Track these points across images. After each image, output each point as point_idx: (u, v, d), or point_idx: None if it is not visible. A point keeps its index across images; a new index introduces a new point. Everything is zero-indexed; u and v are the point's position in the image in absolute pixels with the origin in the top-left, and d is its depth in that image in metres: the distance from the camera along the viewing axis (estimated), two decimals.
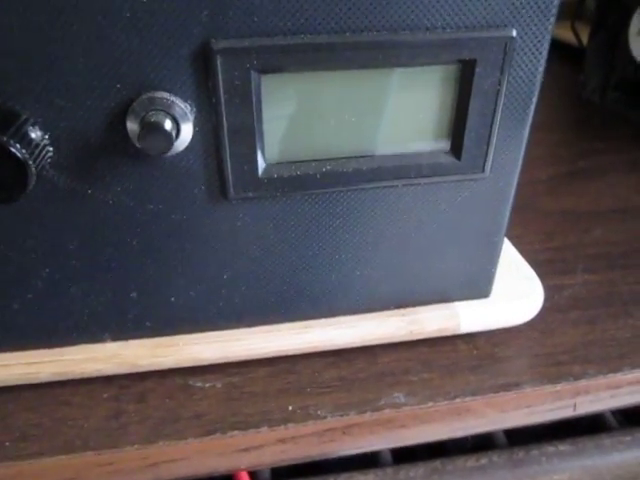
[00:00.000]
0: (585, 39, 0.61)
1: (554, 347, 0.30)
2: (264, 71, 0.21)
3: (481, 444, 0.42)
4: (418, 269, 0.27)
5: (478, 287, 0.29)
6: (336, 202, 0.24)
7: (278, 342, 0.27)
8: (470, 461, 0.39)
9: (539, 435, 0.40)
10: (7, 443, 0.25)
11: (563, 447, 0.40)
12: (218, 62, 0.20)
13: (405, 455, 0.38)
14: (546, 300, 0.31)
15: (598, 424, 0.42)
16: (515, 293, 0.30)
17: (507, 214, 0.27)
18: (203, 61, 0.20)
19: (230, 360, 0.28)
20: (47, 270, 0.24)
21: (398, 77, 0.22)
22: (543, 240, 0.38)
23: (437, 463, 0.39)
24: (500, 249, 0.28)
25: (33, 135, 0.20)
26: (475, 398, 0.27)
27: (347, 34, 0.20)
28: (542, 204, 0.42)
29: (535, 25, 0.21)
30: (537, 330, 0.31)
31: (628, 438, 0.40)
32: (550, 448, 0.40)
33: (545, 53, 0.22)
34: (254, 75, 0.21)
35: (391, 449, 0.40)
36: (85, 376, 0.27)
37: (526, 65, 0.22)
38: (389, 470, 0.39)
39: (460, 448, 0.41)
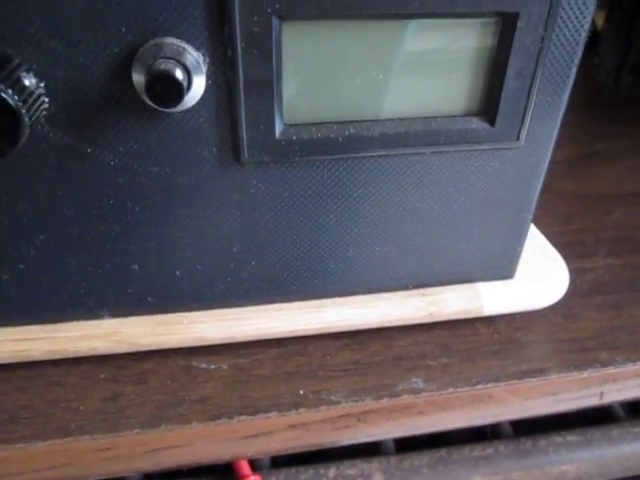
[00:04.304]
0: (599, 23, 0.60)
1: (579, 332, 0.28)
2: (286, 17, 0.19)
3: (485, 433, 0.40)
4: (441, 246, 0.25)
5: (502, 267, 0.27)
6: (358, 170, 0.22)
7: (289, 322, 0.26)
8: (476, 450, 0.38)
9: (544, 425, 0.38)
10: None
11: (571, 437, 0.38)
12: (236, 5, 0.18)
13: (407, 443, 0.37)
14: (568, 284, 0.29)
15: (605, 415, 0.41)
16: (539, 275, 0.28)
17: (539, 188, 0.25)
18: (219, 3, 0.18)
19: (237, 340, 0.26)
20: (41, 237, 0.22)
21: (432, 30, 0.20)
22: (562, 222, 0.37)
23: (442, 452, 0.38)
24: (528, 226, 0.26)
25: (26, 82, 0.18)
26: (498, 384, 0.26)
27: None
28: (559, 186, 0.41)
29: None
30: (560, 314, 0.29)
31: (637, 429, 0.39)
32: (558, 438, 0.38)
33: (592, 9, 0.20)
34: (275, 22, 0.18)
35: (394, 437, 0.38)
36: (80, 355, 0.25)
37: (572, 22, 0.20)
38: (393, 459, 0.37)
39: (464, 437, 0.40)
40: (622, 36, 0.56)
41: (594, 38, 0.59)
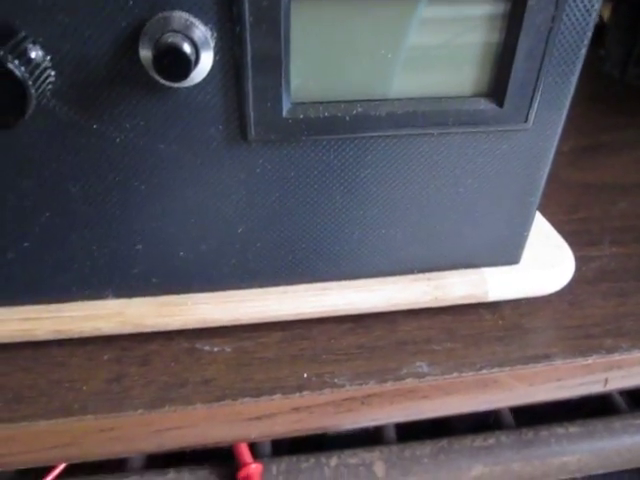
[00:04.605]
0: (605, 14, 0.59)
1: (584, 319, 0.28)
2: None
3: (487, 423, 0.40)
4: (447, 230, 0.25)
5: (508, 252, 0.27)
6: (365, 150, 0.22)
7: (293, 304, 0.26)
8: (477, 441, 0.38)
9: (546, 416, 0.38)
10: None
11: (573, 429, 0.38)
12: None
13: (409, 433, 0.37)
14: (574, 272, 0.29)
15: (607, 406, 0.41)
16: (545, 261, 0.28)
17: (546, 172, 0.25)
18: None
19: (241, 322, 0.26)
20: (46, 215, 0.22)
21: (442, 9, 0.20)
22: (567, 211, 0.37)
23: (444, 442, 0.38)
24: (535, 210, 0.26)
25: (33, 55, 0.18)
26: (502, 369, 0.25)
27: None
28: (565, 175, 0.41)
29: None
30: (565, 301, 0.29)
31: (638, 421, 0.39)
32: (560, 429, 0.38)
33: None
34: None
35: (395, 426, 0.38)
36: (85, 335, 0.25)
37: (582, 1, 0.20)
38: (394, 448, 0.37)
39: (466, 427, 0.40)
40: (628, 28, 0.56)
41: (600, 30, 0.59)
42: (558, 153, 0.44)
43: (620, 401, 0.42)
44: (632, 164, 0.43)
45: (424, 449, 0.37)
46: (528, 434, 0.38)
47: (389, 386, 0.25)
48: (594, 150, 0.45)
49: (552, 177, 0.41)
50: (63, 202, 0.21)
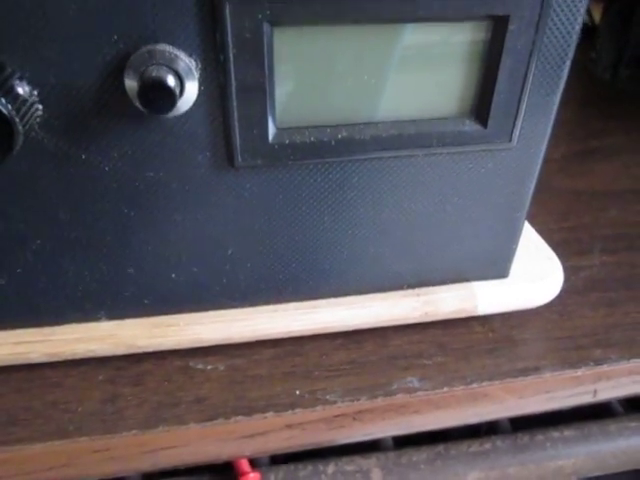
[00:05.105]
0: (596, 16, 0.60)
1: (573, 330, 0.29)
2: (277, 23, 0.19)
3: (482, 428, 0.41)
4: (435, 246, 0.26)
5: (497, 266, 0.27)
6: (351, 173, 0.23)
7: (284, 322, 0.26)
8: (474, 446, 0.38)
9: (542, 420, 0.39)
10: None
11: (568, 432, 0.39)
12: (227, 11, 0.18)
13: (406, 439, 0.37)
14: (563, 281, 0.30)
15: (602, 410, 0.41)
16: (534, 273, 0.28)
17: (532, 188, 0.25)
18: (210, 10, 0.18)
19: (233, 341, 0.26)
20: (37, 242, 0.22)
21: (423, 34, 0.20)
22: (557, 220, 0.37)
23: (440, 448, 0.38)
24: (522, 225, 0.26)
25: (20, 90, 0.18)
26: (492, 383, 0.26)
27: None
28: (555, 183, 0.41)
29: None
30: (555, 312, 0.29)
31: (634, 424, 0.39)
32: (555, 433, 0.39)
33: (583, 11, 0.20)
34: (266, 27, 0.19)
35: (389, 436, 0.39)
36: (78, 357, 0.25)
37: (562, 24, 0.20)
38: (391, 455, 0.38)
39: (462, 433, 0.40)
40: (619, 30, 0.56)
41: (591, 32, 0.59)
42: (548, 160, 0.44)
43: (615, 404, 0.42)
44: (623, 169, 0.43)
45: (420, 455, 0.37)
46: (524, 438, 0.38)
47: (380, 402, 0.25)
48: (585, 156, 0.45)
49: (542, 185, 0.41)
50: (54, 229, 0.22)
